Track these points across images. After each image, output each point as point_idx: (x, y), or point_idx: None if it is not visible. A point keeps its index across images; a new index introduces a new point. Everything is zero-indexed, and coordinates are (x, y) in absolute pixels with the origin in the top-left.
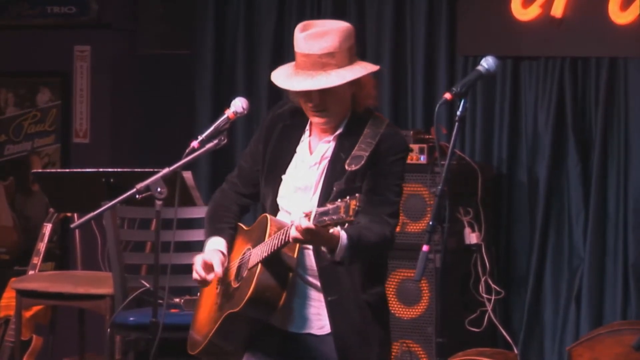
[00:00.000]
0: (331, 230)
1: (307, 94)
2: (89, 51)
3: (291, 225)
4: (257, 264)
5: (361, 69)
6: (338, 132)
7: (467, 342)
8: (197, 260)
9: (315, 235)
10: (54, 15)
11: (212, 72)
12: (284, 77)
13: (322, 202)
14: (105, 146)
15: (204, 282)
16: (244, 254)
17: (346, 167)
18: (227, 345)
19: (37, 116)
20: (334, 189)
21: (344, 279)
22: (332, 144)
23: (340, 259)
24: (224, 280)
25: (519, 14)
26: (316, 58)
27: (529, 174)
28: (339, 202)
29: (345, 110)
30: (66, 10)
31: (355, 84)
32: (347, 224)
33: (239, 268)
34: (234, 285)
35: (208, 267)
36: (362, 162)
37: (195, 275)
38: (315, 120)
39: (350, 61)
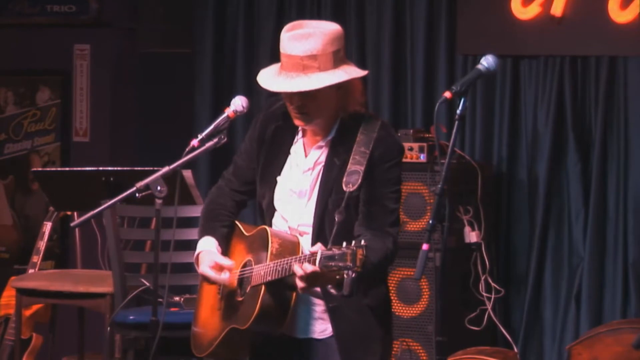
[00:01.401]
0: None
1: (288, 96)
2: (89, 50)
3: (296, 258)
4: (261, 284)
5: (344, 74)
6: (330, 137)
7: (466, 341)
8: (203, 264)
9: (320, 279)
10: (54, 14)
11: (212, 71)
12: (267, 77)
13: (318, 213)
14: (105, 145)
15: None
16: (245, 265)
17: (344, 187)
18: (232, 353)
19: (37, 115)
20: (335, 219)
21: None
22: (325, 149)
23: (348, 293)
24: (224, 285)
25: (519, 12)
26: (298, 60)
27: (529, 173)
28: (345, 248)
29: (330, 115)
30: (66, 9)
31: (341, 89)
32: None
33: (242, 280)
34: (238, 298)
35: (218, 268)
36: (360, 179)
37: (208, 275)
38: (296, 122)
39: (334, 65)
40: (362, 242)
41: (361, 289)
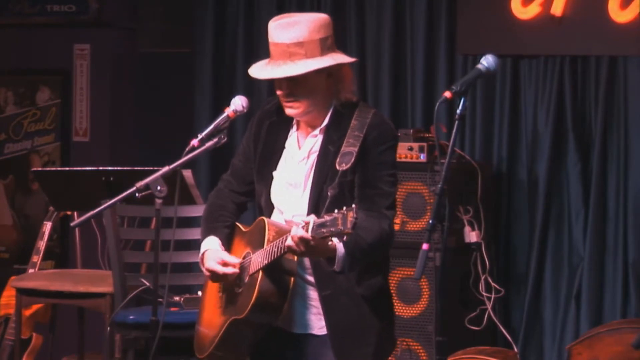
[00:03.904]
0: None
1: (277, 83)
2: (89, 50)
3: (289, 236)
4: (258, 271)
5: (330, 60)
6: (323, 125)
7: (466, 341)
8: (210, 260)
9: (312, 248)
10: (54, 14)
11: (212, 71)
12: (257, 67)
13: (313, 201)
14: (105, 144)
15: (221, 277)
16: (244, 257)
17: (337, 166)
18: (233, 350)
19: (37, 115)
20: (328, 194)
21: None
22: (320, 138)
23: (340, 269)
24: (225, 283)
25: (519, 12)
26: (284, 47)
27: (529, 173)
28: (336, 214)
29: (321, 103)
30: (66, 9)
31: (332, 77)
32: (345, 237)
33: (240, 272)
34: (237, 290)
35: (223, 264)
36: (353, 159)
37: (215, 269)
38: (287, 112)
39: (321, 52)
40: (353, 206)
41: (354, 269)
